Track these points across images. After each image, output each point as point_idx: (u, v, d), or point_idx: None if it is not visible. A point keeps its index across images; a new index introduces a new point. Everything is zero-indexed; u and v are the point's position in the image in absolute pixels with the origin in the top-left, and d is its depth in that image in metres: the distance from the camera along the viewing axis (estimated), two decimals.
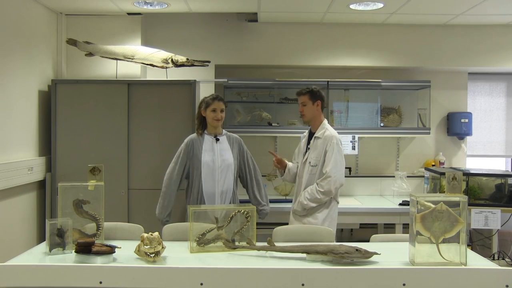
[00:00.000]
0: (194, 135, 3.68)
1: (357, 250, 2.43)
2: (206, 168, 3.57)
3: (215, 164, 3.58)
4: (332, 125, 4.85)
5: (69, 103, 4.17)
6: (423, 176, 4.98)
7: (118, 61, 4.25)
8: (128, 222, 3.76)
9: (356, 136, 4.92)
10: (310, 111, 3.74)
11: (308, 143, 3.77)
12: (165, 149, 4.17)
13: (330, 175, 3.55)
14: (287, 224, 3.49)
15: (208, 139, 3.64)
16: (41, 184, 4.16)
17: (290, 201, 4.62)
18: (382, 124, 5.02)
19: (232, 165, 3.63)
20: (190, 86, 4.19)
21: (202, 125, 3.66)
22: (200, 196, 3.57)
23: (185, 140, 3.65)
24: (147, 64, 4.21)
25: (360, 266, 2.35)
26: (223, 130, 3.73)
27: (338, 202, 3.75)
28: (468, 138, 5.31)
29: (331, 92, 4.92)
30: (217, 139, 3.65)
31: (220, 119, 3.60)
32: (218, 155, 3.61)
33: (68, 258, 2.53)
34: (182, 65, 4.15)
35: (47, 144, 4.21)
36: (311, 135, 3.79)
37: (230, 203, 3.62)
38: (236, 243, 2.70)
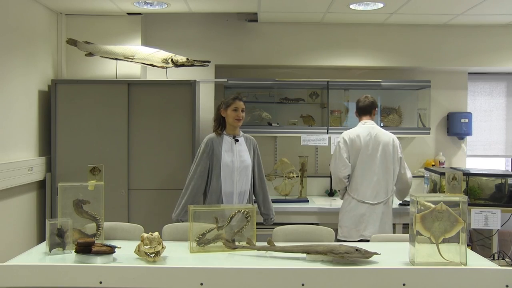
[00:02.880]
0: (213, 135, 3.65)
1: (357, 250, 2.43)
2: (226, 169, 3.55)
3: (234, 165, 3.57)
4: (332, 125, 4.91)
5: (69, 103, 4.17)
6: (423, 176, 4.97)
7: (118, 61, 4.25)
8: (128, 222, 3.76)
9: None
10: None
11: None
12: (165, 149, 4.17)
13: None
14: (287, 224, 3.50)
15: (227, 139, 3.63)
16: (41, 184, 4.17)
17: (290, 201, 4.66)
18: (382, 124, 5.02)
19: (250, 166, 3.65)
20: (190, 86, 4.19)
21: (221, 126, 3.65)
22: (218, 196, 3.56)
23: (204, 140, 3.62)
24: (147, 64, 4.22)
25: (360, 266, 2.35)
26: (240, 131, 3.72)
27: (352, 196, 3.94)
28: (468, 138, 5.31)
29: (331, 92, 4.92)
30: (236, 140, 3.65)
31: (241, 118, 3.61)
32: (237, 156, 3.60)
33: (68, 258, 2.53)
34: (182, 65, 4.15)
35: (47, 144, 4.21)
36: None
37: (247, 203, 3.64)
38: (236, 243, 2.70)
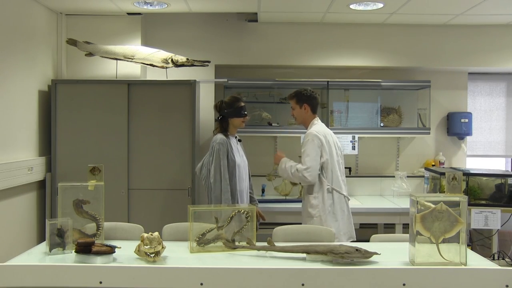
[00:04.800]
0: (222, 136, 3.69)
1: (357, 250, 2.43)
2: (237, 169, 3.66)
3: (242, 164, 3.75)
4: (332, 125, 4.91)
5: (69, 103, 4.17)
6: (423, 176, 4.98)
7: (118, 61, 4.24)
8: (128, 222, 3.75)
9: (356, 136, 4.92)
10: (298, 115, 3.80)
11: None
12: (165, 149, 4.17)
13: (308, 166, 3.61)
14: (287, 224, 3.50)
15: (233, 140, 3.76)
16: (41, 184, 4.16)
17: (290, 201, 4.65)
18: (382, 124, 5.02)
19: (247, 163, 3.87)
20: (190, 86, 4.19)
21: (223, 126, 3.73)
22: (234, 195, 3.63)
23: (218, 141, 3.64)
24: (147, 64, 4.21)
25: (360, 266, 2.35)
26: None
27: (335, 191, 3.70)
28: (468, 138, 5.31)
29: (331, 92, 4.92)
30: (239, 140, 3.85)
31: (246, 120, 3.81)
32: (242, 156, 3.80)
33: (68, 258, 2.53)
34: (182, 65, 4.15)
35: (47, 144, 4.21)
36: None
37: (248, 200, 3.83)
38: (236, 243, 2.70)
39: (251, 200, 3.92)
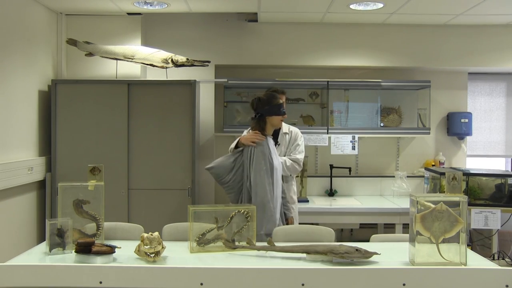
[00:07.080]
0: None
1: (357, 250, 2.43)
2: (275, 173, 3.31)
3: (279, 167, 3.39)
4: (332, 125, 4.94)
5: (69, 103, 4.17)
6: (423, 176, 4.98)
7: (118, 61, 4.25)
8: (128, 222, 3.75)
9: (356, 136, 4.92)
10: None
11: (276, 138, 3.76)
12: (165, 149, 4.17)
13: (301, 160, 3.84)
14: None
15: (270, 141, 3.39)
16: (41, 184, 4.16)
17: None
18: (382, 124, 5.02)
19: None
20: (190, 86, 4.19)
21: (263, 126, 3.39)
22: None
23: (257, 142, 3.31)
24: (147, 64, 4.21)
25: (360, 266, 2.35)
26: None
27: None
28: (468, 138, 5.31)
29: (331, 92, 4.92)
30: (277, 142, 3.67)
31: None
32: (278, 158, 3.45)
33: (68, 258, 2.53)
34: (182, 65, 4.15)
35: (47, 144, 4.21)
36: (275, 132, 3.69)
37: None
38: (236, 243, 2.70)
39: (285, 208, 3.53)
